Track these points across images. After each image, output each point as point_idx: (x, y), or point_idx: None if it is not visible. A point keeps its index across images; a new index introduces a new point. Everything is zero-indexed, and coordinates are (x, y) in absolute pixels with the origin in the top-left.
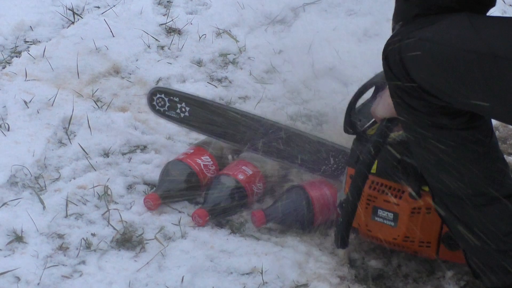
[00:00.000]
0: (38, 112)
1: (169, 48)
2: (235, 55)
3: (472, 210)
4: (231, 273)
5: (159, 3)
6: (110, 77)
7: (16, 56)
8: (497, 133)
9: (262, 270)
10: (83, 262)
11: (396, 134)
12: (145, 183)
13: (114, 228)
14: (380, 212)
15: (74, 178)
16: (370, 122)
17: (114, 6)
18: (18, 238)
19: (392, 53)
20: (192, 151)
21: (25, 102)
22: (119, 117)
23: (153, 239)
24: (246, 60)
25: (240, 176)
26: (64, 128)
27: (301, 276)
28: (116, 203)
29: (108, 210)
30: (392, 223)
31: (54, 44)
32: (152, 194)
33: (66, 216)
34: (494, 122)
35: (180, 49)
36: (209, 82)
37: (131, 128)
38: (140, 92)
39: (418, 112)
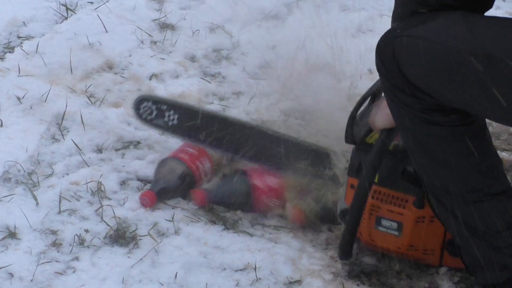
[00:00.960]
0: (31, 108)
1: (162, 44)
2: (228, 50)
3: (466, 206)
4: (225, 269)
5: None
6: (104, 72)
7: (9, 52)
8: (490, 129)
9: (255, 266)
10: (77, 259)
11: (397, 142)
12: (139, 179)
13: (108, 224)
14: (383, 222)
15: (67, 174)
16: (367, 130)
17: (107, 1)
18: (11, 234)
19: (385, 50)
20: (189, 149)
21: (18, 98)
22: (112, 113)
23: (146, 235)
24: (240, 56)
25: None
26: (57, 124)
27: (294, 272)
28: (109, 199)
29: (102, 206)
30: (396, 233)
31: (47, 39)
32: (148, 191)
33: (59, 212)
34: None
35: (173, 45)
36: (203, 77)
37: (125, 124)
38: (133, 88)
39: (411, 109)
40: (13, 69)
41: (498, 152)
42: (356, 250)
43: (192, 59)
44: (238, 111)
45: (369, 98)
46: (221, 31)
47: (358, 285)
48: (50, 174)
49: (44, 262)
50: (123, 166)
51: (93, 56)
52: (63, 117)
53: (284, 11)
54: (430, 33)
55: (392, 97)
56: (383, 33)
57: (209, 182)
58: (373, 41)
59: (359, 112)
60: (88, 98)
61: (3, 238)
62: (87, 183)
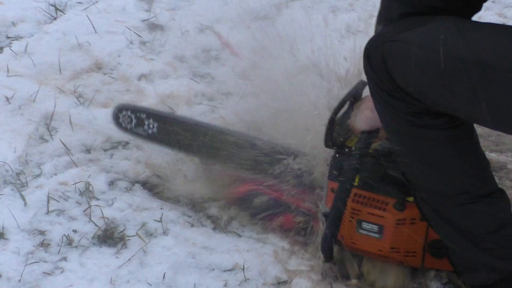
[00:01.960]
0: (19, 108)
1: (151, 44)
2: (217, 51)
3: (455, 208)
4: (213, 269)
5: None
6: (92, 73)
7: None
8: (478, 130)
9: (244, 267)
10: (65, 259)
11: (376, 145)
12: (127, 180)
13: (96, 225)
14: (364, 225)
15: (56, 175)
16: (347, 133)
17: (96, 1)
18: None
19: (374, 54)
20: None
21: (7, 98)
22: (101, 113)
23: (134, 235)
24: (229, 56)
25: None
26: (45, 124)
27: (282, 273)
28: (97, 199)
29: (90, 206)
30: (377, 235)
31: (36, 40)
32: None
33: (48, 213)
34: None
35: (162, 45)
36: (192, 78)
37: (113, 124)
38: (122, 89)
39: (399, 112)
40: (1, 69)
41: (487, 153)
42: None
43: (181, 59)
44: (227, 111)
45: (348, 102)
46: (210, 31)
47: (347, 285)
48: (38, 175)
49: (32, 263)
50: (111, 167)
51: (82, 56)
52: (51, 117)
53: (273, 11)
54: (422, 39)
55: (380, 101)
56: (372, 33)
57: None
58: (363, 42)
59: (339, 115)
60: (77, 98)
61: None
62: (75, 183)
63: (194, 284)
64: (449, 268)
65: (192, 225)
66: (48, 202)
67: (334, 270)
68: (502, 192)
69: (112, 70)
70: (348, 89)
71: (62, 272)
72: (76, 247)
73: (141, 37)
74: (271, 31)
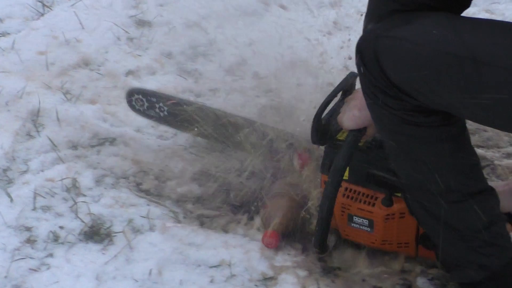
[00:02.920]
0: (6, 104)
1: (139, 40)
2: (205, 47)
3: (444, 206)
4: (199, 265)
5: None
6: (80, 69)
7: None
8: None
9: (230, 263)
10: (51, 255)
11: (366, 140)
12: (114, 176)
13: (82, 221)
14: (355, 219)
15: (42, 171)
16: (338, 127)
17: None
18: None
19: (367, 51)
20: None
21: None
22: (88, 110)
23: (121, 231)
24: (216, 52)
25: None
26: (32, 120)
27: (269, 269)
28: (84, 195)
29: (76, 203)
30: (369, 229)
31: (23, 36)
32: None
33: (34, 209)
34: None
35: (150, 41)
36: (179, 74)
37: (100, 120)
38: (109, 85)
39: (392, 109)
40: None
41: (475, 149)
42: (333, 243)
43: (169, 55)
44: (214, 107)
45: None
46: (198, 27)
47: (333, 281)
48: (25, 171)
49: (19, 259)
50: (98, 163)
51: (69, 52)
52: (38, 113)
53: (261, 7)
54: (415, 35)
55: (373, 98)
56: (360, 30)
57: None
58: (350, 37)
59: (329, 110)
60: (64, 94)
61: None
62: (62, 179)
63: (180, 280)
64: None
65: (179, 221)
66: (34, 198)
67: (320, 266)
68: (492, 190)
69: (100, 66)
70: (337, 83)
71: (48, 268)
72: (62, 243)
73: (129, 33)
74: (259, 27)
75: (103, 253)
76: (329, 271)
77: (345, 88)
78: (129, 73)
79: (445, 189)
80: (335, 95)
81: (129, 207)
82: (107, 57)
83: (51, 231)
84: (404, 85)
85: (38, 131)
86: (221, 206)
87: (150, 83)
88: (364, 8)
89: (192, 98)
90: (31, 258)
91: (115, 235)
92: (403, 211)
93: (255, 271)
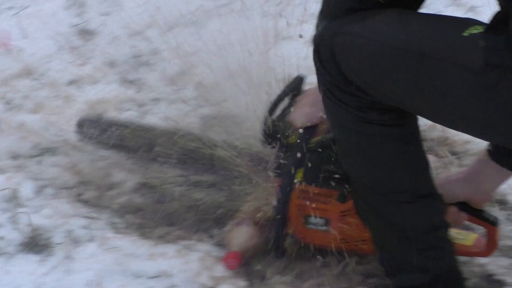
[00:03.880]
0: None
1: (82, 49)
2: (148, 56)
3: (392, 206)
4: (139, 276)
5: (73, 4)
6: (22, 78)
7: None
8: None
9: (170, 274)
10: None
11: (317, 139)
12: (55, 187)
13: (22, 232)
14: (311, 219)
15: None
16: (288, 129)
17: (27, 7)
18: None
19: (324, 48)
20: None
21: None
22: (29, 119)
23: (61, 243)
24: (159, 62)
25: None
26: None
27: (209, 279)
28: (24, 206)
29: (16, 213)
30: (325, 227)
31: None
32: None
33: None
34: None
35: (92, 51)
36: (121, 83)
37: (42, 130)
38: (50, 94)
39: (347, 106)
40: None
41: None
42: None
43: (111, 65)
44: (156, 117)
45: (288, 97)
46: (141, 37)
47: None
48: None
49: None
50: (39, 173)
51: (11, 62)
52: None
53: (204, 17)
54: (366, 31)
55: (330, 95)
56: (306, 38)
57: None
58: (293, 47)
59: (278, 112)
60: (6, 104)
61: None
62: (1, 190)
63: None
64: None
65: (119, 232)
66: None
67: (260, 275)
68: (440, 195)
69: (42, 75)
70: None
71: None
72: (1, 254)
73: (72, 42)
74: (202, 37)
75: (43, 264)
76: (268, 280)
77: (293, 91)
78: (72, 82)
79: (394, 190)
80: (283, 98)
81: (70, 218)
82: (49, 67)
83: None
84: (357, 80)
85: None
86: (161, 217)
87: (92, 93)
88: (307, 17)
89: (134, 108)
90: None
91: (55, 246)
92: None
93: (195, 281)
